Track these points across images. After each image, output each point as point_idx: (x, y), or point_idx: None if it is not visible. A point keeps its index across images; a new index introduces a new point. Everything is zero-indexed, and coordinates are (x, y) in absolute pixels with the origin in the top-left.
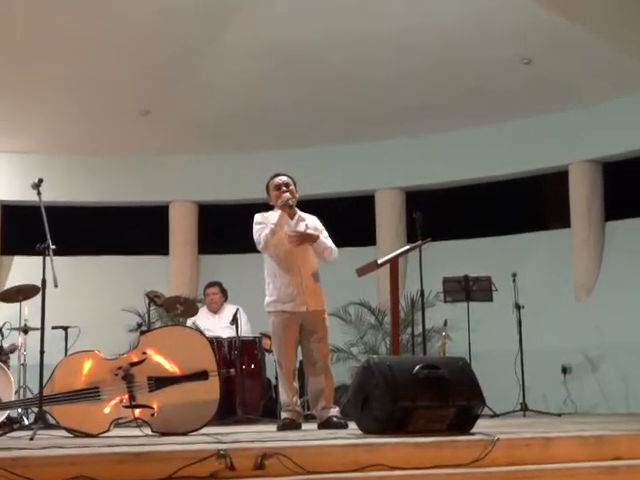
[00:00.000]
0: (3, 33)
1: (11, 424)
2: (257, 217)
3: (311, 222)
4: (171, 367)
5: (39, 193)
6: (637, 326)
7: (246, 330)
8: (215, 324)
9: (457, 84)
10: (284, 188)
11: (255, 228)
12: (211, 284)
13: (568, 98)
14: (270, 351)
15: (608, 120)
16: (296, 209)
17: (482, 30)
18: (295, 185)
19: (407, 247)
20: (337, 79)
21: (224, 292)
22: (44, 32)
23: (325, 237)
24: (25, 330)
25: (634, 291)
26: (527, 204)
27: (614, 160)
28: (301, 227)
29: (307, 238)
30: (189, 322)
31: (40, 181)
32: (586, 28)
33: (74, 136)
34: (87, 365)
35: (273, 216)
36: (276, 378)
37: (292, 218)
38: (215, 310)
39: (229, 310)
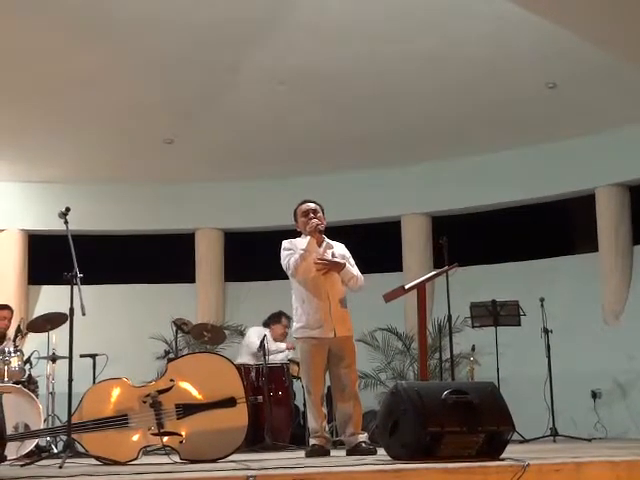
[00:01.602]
0: (27, 66)
1: (40, 452)
2: (285, 243)
3: (338, 250)
4: (199, 394)
5: (66, 222)
6: None
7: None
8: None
9: (483, 109)
10: (312, 215)
11: (284, 254)
12: (288, 318)
13: (593, 122)
14: (298, 377)
15: (634, 143)
16: (323, 236)
17: (507, 55)
18: (323, 212)
19: (434, 272)
20: (361, 105)
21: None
22: (67, 63)
23: (352, 265)
24: (53, 359)
25: None
26: (554, 228)
27: None
28: (328, 254)
29: (334, 266)
30: (258, 333)
31: (67, 210)
32: (608, 51)
33: (99, 165)
34: (115, 393)
35: (301, 242)
36: (304, 405)
37: (320, 245)
38: (282, 341)
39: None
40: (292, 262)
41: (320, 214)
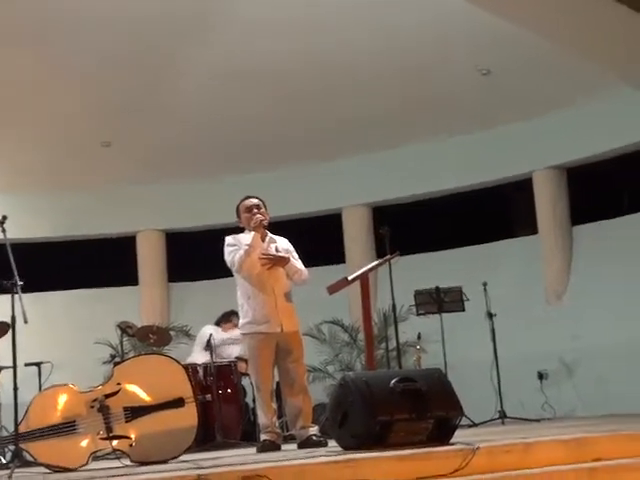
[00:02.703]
0: None
1: None
2: (228, 239)
3: (282, 244)
4: (146, 396)
5: (3, 230)
6: (610, 327)
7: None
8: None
9: (419, 98)
10: (255, 210)
11: (227, 250)
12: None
13: (528, 107)
14: (246, 374)
15: (569, 126)
16: (266, 231)
17: (441, 43)
18: (265, 207)
19: (376, 262)
20: (298, 99)
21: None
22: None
23: (295, 259)
24: None
25: (604, 293)
26: (494, 214)
27: (577, 165)
28: (272, 249)
29: (278, 261)
30: (207, 331)
31: (4, 218)
32: (542, 35)
33: (36, 171)
34: (62, 400)
35: (245, 238)
36: (254, 401)
37: (263, 240)
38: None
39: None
40: (237, 258)
41: (263, 209)
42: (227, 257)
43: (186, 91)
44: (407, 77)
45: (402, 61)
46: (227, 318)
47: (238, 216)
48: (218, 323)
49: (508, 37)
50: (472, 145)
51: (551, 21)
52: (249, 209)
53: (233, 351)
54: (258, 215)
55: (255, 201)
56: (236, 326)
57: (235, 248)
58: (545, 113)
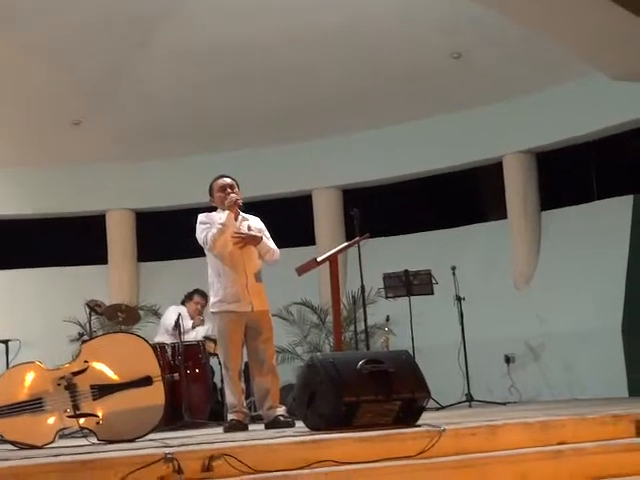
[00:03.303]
0: None
1: None
2: (201, 217)
3: (254, 223)
4: (114, 374)
5: None
6: (577, 313)
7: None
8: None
9: (390, 79)
10: (229, 189)
11: (200, 228)
12: (202, 294)
13: (498, 90)
14: (214, 354)
15: (539, 111)
16: (239, 210)
17: (412, 25)
18: (238, 187)
19: (346, 244)
20: (267, 80)
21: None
22: None
23: (267, 238)
24: None
25: (572, 278)
26: (463, 197)
27: (547, 150)
28: (244, 227)
29: (250, 240)
30: (175, 311)
31: None
32: (514, 19)
33: (6, 148)
34: (29, 377)
35: (218, 216)
36: (222, 381)
37: (236, 219)
38: (198, 317)
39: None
40: (210, 236)
41: (237, 189)
42: (200, 235)
43: (156, 70)
44: (377, 58)
45: (372, 42)
46: (189, 297)
47: (211, 195)
48: (183, 303)
49: (480, 20)
50: (442, 128)
51: (523, 4)
52: (223, 188)
53: (198, 336)
54: (233, 194)
55: (229, 180)
56: (198, 304)
57: (207, 226)
58: (516, 97)
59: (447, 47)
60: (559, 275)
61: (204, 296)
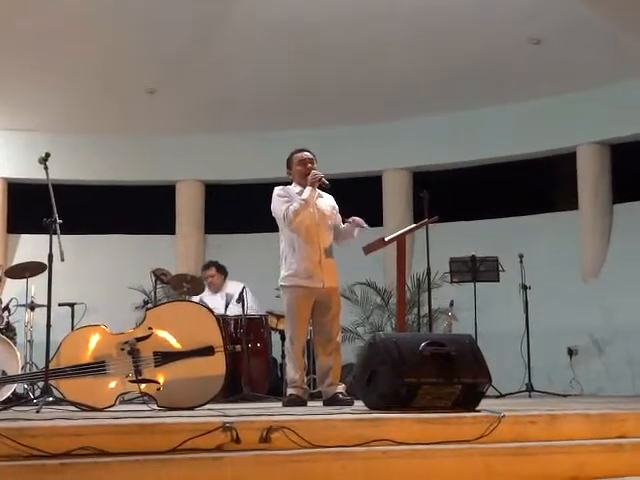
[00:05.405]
0: (7, 17)
1: (17, 400)
2: (278, 190)
3: (327, 200)
4: (177, 342)
5: (46, 167)
6: None
7: (253, 308)
8: (218, 302)
9: (465, 65)
10: (310, 164)
11: (280, 200)
12: (206, 266)
13: (576, 79)
14: (276, 329)
15: (616, 102)
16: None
17: (491, 10)
18: (317, 162)
19: (414, 225)
20: (347, 59)
21: (221, 270)
22: (49, 13)
23: (337, 213)
24: (32, 307)
25: None
26: (535, 186)
27: (622, 142)
28: (319, 204)
29: (357, 225)
30: (195, 299)
31: (47, 155)
32: (596, 8)
33: (81, 115)
34: (93, 340)
35: (294, 190)
36: (282, 356)
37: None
38: (216, 290)
39: (231, 287)
40: (291, 210)
41: (316, 164)
42: (280, 207)
43: (234, 44)
44: (454, 41)
45: (449, 24)
46: (207, 267)
47: (289, 167)
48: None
49: (562, 7)
50: (517, 115)
51: None
52: (303, 162)
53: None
54: (318, 172)
55: (309, 155)
56: (209, 277)
57: (287, 199)
58: (593, 87)
59: (525, 33)
60: (627, 269)
61: (216, 268)
